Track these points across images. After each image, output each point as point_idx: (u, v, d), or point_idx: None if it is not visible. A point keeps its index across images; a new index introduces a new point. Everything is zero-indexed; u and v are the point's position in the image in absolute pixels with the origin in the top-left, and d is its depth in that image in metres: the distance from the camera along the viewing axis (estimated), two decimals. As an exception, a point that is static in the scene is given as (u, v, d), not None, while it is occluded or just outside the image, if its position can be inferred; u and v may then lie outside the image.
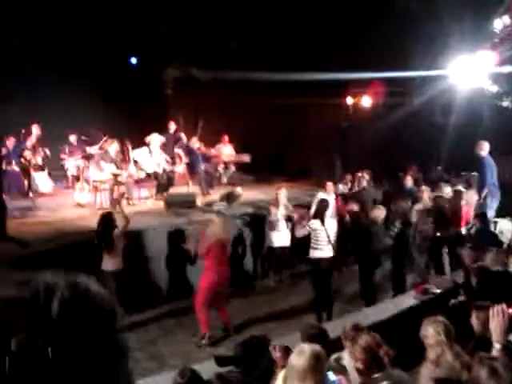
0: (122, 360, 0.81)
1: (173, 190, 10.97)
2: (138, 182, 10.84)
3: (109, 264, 6.57)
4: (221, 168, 12.89)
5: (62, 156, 11.52)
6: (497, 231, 7.51)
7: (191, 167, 11.82)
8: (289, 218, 8.84)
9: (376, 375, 3.48)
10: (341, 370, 3.83)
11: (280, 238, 8.85)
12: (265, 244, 9.15)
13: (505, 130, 10.02)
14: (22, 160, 10.73)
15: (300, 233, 7.86)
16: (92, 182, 10.13)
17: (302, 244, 8.05)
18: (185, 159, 11.73)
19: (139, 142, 11.27)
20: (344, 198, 9.97)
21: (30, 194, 10.33)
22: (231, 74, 12.26)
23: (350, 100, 14.71)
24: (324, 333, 4.06)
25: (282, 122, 14.48)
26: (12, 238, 7.56)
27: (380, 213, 7.89)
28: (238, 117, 13.70)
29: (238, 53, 13.21)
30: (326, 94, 13.12)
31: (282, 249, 8.87)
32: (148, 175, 10.89)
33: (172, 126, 12.20)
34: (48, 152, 11.39)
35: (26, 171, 10.64)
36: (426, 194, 8.74)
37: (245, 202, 10.27)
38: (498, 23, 10.75)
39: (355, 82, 13.25)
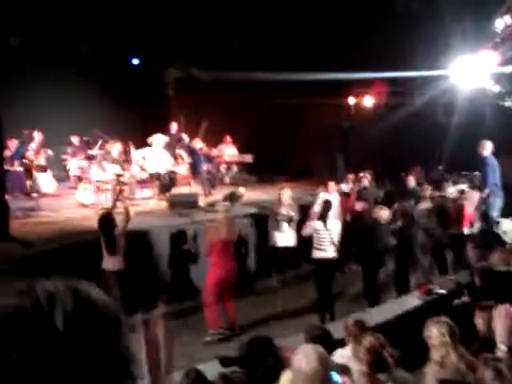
0: (127, 369, 0.79)
1: (175, 191, 10.98)
2: (141, 182, 10.86)
3: (109, 263, 6.57)
4: (223, 168, 12.91)
5: (65, 157, 11.55)
6: (500, 231, 7.50)
7: (193, 167, 11.84)
8: (290, 219, 8.84)
9: (380, 376, 3.48)
10: (344, 370, 3.84)
11: (283, 237, 8.86)
12: (268, 244, 9.15)
13: (507, 130, 10.01)
14: (25, 160, 10.76)
15: (307, 231, 7.87)
16: (95, 183, 10.15)
17: (306, 244, 8.06)
18: (187, 159, 11.75)
19: (141, 143, 11.28)
20: (347, 196, 9.97)
21: (33, 195, 10.34)
22: (233, 74, 12.27)
23: (351, 100, 14.71)
24: (328, 334, 4.07)
25: (283, 122, 14.49)
26: (15, 238, 7.57)
27: (383, 213, 7.89)
28: (239, 117, 13.70)
29: (239, 53, 13.21)
30: (327, 94, 13.13)
31: (286, 249, 8.87)
32: (151, 176, 10.91)
33: (173, 127, 12.22)
34: (50, 152, 11.43)
35: (28, 172, 10.67)
36: (428, 192, 8.76)
37: (247, 202, 10.28)
38: (500, 23, 10.73)
39: (357, 82, 13.26)
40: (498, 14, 10.67)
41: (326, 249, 7.48)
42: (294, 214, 8.85)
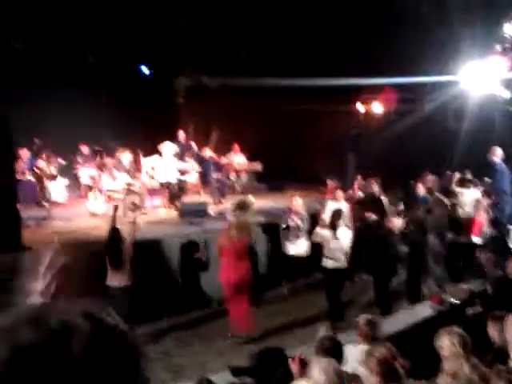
0: None
1: (185, 199, 11.01)
2: (151, 191, 10.90)
3: (116, 280, 6.47)
4: (233, 176, 12.92)
5: (76, 165, 11.64)
6: (510, 239, 7.44)
7: (203, 176, 11.87)
8: (298, 228, 8.81)
9: (392, 387, 3.46)
10: (355, 378, 3.83)
11: (293, 246, 8.83)
12: (279, 252, 9.12)
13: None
14: (36, 170, 10.86)
15: (316, 239, 7.86)
16: (105, 192, 10.20)
17: (317, 252, 8.04)
18: (197, 168, 11.78)
19: (151, 152, 11.33)
20: (357, 204, 9.93)
21: (45, 204, 10.42)
22: (242, 81, 12.30)
23: (360, 107, 14.68)
24: (339, 345, 4.05)
25: (292, 129, 14.49)
26: (27, 247, 7.63)
27: (396, 221, 7.88)
28: (248, 124, 13.73)
29: (248, 59, 13.26)
30: (336, 100, 13.10)
31: (296, 257, 8.85)
32: (160, 184, 10.94)
33: (181, 135, 12.23)
34: (62, 162, 11.52)
35: (40, 181, 10.75)
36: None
37: (258, 211, 10.27)
38: (509, 28, 10.69)
39: (366, 88, 13.23)
40: (507, 18, 10.63)
41: (337, 258, 7.47)
42: (300, 222, 8.81)
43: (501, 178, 8.72)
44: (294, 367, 3.84)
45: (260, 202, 10.97)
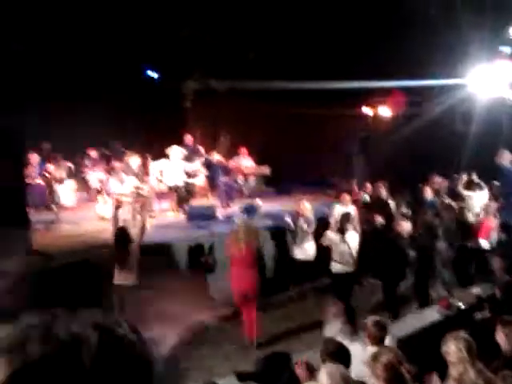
0: None
1: (193, 203, 11.04)
2: (159, 194, 10.94)
3: (121, 277, 6.52)
4: (240, 180, 12.93)
5: (84, 169, 11.72)
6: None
7: (211, 180, 11.90)
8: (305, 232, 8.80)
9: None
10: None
11: (301, 250, 8.82)
12: (286, 256, 9.11)
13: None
14: (45, 173, 10.94)
15: (324, 242, 7.85)
16: (114, 195, 10.26)
17: (325, 257, 8.04)
18: (205, 172, 11.81)
19: (159, 156, 11.38)
20: (364, 207, 9.90)
21: (53, 207, 10.50)
22: (249, 85, 12.32)
23: (369, 110, 14.66)
24: (345, 350, 4.05)
25: (300, 133, 14.48)
26: (36, 251, 7.69)
27: (405, 225, 7.85)
28: (256, 127, 13.74)
29: (256, 63, 13.28)
30: (344, 103, 13.09)
31: (303, 261, 8.83)
32: (168, 188, 10.99)
33: (188, 139, 12.26)
34: (71, 165, 11.61)
35: (49, 185, 10.83)
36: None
37: (265, 214, 10.28)
38: None
39: (374, 91, 13.21)
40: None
41: (345, 261, 7.46)
42: (306, 226, 8.76)
43: (509, 181, 8.66)
44: (301, 372, 3.86)
45: (268, 206, 10.97)
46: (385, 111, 14.31)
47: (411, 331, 5.54)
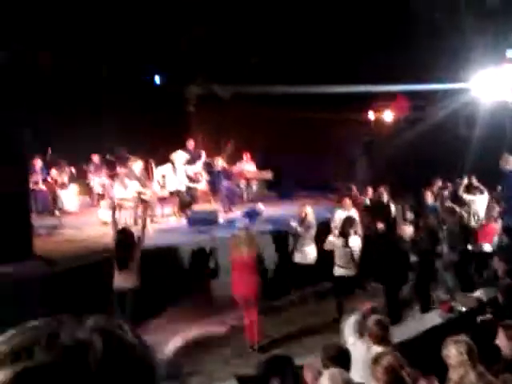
0: None
1: (195, 208, 11.05)
2: (162, 199, 10.96)
3: (121, 280, 6.44)
4: (243, 185, 12.94)
5: (87, 175, 11.76)
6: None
7: (213, 184, 11.91)
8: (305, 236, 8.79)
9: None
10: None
11: (302, 254, 8.80)
12: (288, 261, 9.09)
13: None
14: (49, 178, 10.99)
15: (327, 247, 7.84)
16: (116, 200, 10.27)
17: (326, 261, 8.02)
18: (206, 177, 11.82)
19: (162, 160, 11.41)
20: (365, 211, 9.87)
21: (56, 212, 10.53)
22: (252, 89, 12.35)
23: (372, 114, 14.66)
24: (346, 353, 4.03)
25: (303, 137, 14.48)
26: (39, 256, 7.71)
27: (407, 229, 7.84)
28: (259, 132, 13.76)
29: (259, 68, 13.31)
30: (348, 108, 13.10)
31: (304, 266, 8.80)
32: (171, 193, 11.00)
33: (191, 144, 12.27)
34: (74, 171, 11.65)
35: (52, 190, 10.88)
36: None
37: (267, 219, 10.27)
38: None
39: (378, 96, 13.22)
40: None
41: (348, 266, 7.45)
42: (303, 230, 8.68)
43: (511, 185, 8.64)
44: (309, 375, 3.84)
45: (270, 210, 10.96)
46: (388, 115, 14.31)
47: (413, 335, 5.52)
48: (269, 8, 11.98)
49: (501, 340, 4.08)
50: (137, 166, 10.73)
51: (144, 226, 7.13)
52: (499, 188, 9.67)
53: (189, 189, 11.07)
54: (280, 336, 7.28)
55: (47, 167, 11.21)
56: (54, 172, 11.07)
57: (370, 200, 10.36)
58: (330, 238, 7.89)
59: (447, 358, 3.69)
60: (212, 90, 14.13)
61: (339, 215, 8.76)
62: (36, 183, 10.58)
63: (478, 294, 6.49)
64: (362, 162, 14.71)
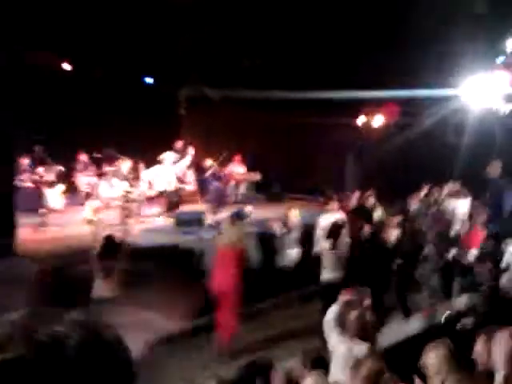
0: None
1: (182, 208, 11.01)
2: (149, 199, 10.91)
3: (105, 290, 6.33)
4: (231, 186, 12.93)
5: (74, 173, 11.68)
6: (505, 254, 7.39)
7: (201, 185, 11.88)
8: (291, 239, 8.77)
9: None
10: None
11: (286, 257, 8.78)
12: (272, 263, 9.07)
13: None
14: (35, 176, 10.89)
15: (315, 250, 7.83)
16: (103, 199, 10.21)
17: (311, 264, 8.00)
18: (194, 176, 11.80)
19: (152, 161, 11.38)
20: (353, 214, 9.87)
21: (41, 211, 10.44)
22: (244, 93, 12.35)
23: (362, 119, 14.70)
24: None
25: (293, 141, 14.51)
26: (23, 255, 7.65)
27: (392, 233, 7.86)
28: (249, 135, 13.78)
29: (250, 72, 13.31)
30: (338, 113, 13.13)
31: (288, 268, 8.78)
32: (159, 193, 10.96)
33: (179, 145, 12.23)
34: (61, 169, 11.56)
35: (38, 188, 10.78)
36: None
37: (254, 221, 10.26)
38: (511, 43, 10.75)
39: (368, 101, 13.25)
40: (510, 33, 10.67)
41: (335, 269, 7.44)
42: (284, 232, 8.71)
43: (496, 192, 8.70)
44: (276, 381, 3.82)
45: (258, 212, 10.95)
46: (378, 121, 14.36)
47: (393, 341, 5.52)
48: (261, 13, 11.98)
49: (478, 345, 4.08)
50: (125, 165, 10.69)
51: (127, 230, 7.05)
52: (487, 195, 9.73)
53: (177, 189, 11.04)
54: (262, 339, 7.22)
55: (34, 164, 11.10)
56: (40, 170, 10.97)
57: (357, 204, 10.35)
58: (319, 240, 7.88)
59: (427, 364, 3.68)
60: (203, 92, 14.11)
61: (326, 218, 8.76)
62: (22, 181, 10.48)
63: (460, 300, 6.51)
64: (352, 166, 14.74)
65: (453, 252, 7.99)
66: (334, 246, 7.51)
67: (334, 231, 7.62)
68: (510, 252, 7.20)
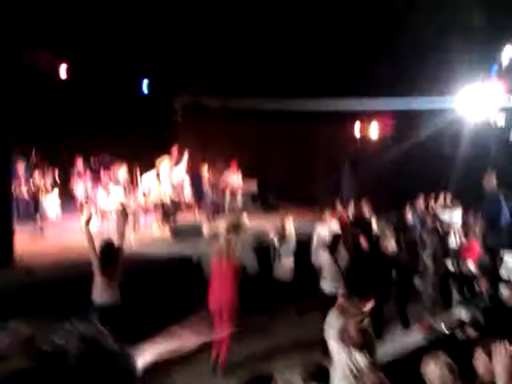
0: None
1: (179, 218, 10.98)
2: (145, 208, 10.88)
3: (106, 296, 6.23)
4: (227, 195, 12.92)
5: (71, 180, 11.64)
6: (502, 266, 7.43)
7: (197, 195, 11.87)
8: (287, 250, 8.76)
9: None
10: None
11: (281, 267, 8.77)
12: (268, 274, 9.03)
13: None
14: (31, 184, 10.84)
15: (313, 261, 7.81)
16: (100, 208, 10.17)
17: (308, 276, 7.99)
18: (188, 181, 11.77)
19: (147, 169, 11.35)
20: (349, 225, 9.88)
21: (38, 219, 10.38)
22: (240, 102, 12.38)
23: (358, 130, 14.77)
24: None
25: (289, 150, 14.53)
26: (19, 264, 7.61)
27: (389, 244, 7.87)
28: (246, 144, 13.79)
29: (247, 81, 13.35)
30: (334, 123, 13.18)
31: (284, 279, 8.75)
32: (155, 202, 10.94)
33: (175, 153, 12.21)
34: (57, 176, 11.52)
35: (35, 195, 10.73)
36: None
37: (250, 231, 10.22)
38: (506, 53, 10.86)
39: (364, 112, 13.31)
40: (504, 44, 10.79)
41: (334, 280, 7.43)
42: (278, 243, 8.71)
43: (492, 204, 8.75)
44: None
45: (253, 222, 10.92)
46: (373, 132, 14.43)
47: (394, 352, 5.51)
48: (256, 23, 12.05)
49: (477, 358, 4.08)
50: (121, 173, 10.66)
51: (124, 238, 6.97)
52: (483, 206, 9.77)
53: (173, 199, 11.02)
54: (262, 352, 7.16)
55: (30, 170, 11.05)
56: (36, 177, 10.91)
57: (353, 215, 10.37)
58: (317, 251, 7.88)
59: (426, 375, 3.68)
60: (200, 101, 14.14)
61: (321, 230, 8.78)
62: (19, 188, 10.44)
63: (459, 311, 6.51)
64: (347, 177, 14.78)
65: (451, 263, 8.01)
66: (333, 257, 7.51)
67: (333, 242, 7.63)
68: (508, 263, 7.23)
